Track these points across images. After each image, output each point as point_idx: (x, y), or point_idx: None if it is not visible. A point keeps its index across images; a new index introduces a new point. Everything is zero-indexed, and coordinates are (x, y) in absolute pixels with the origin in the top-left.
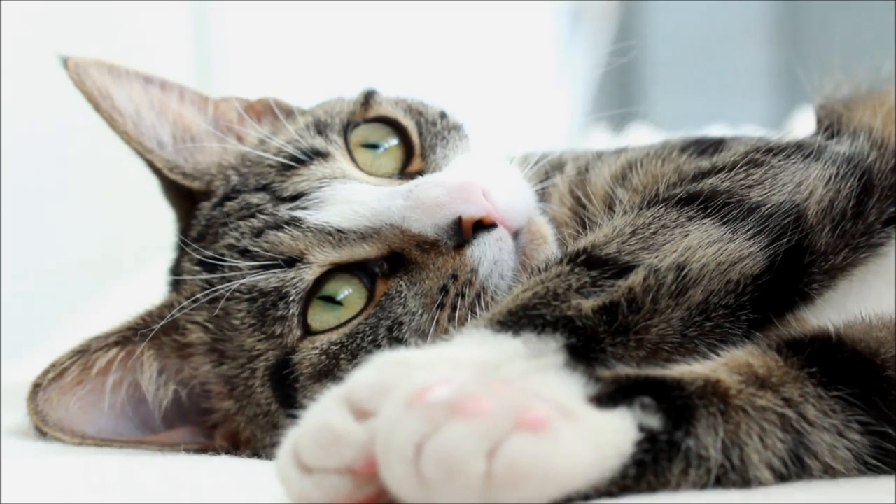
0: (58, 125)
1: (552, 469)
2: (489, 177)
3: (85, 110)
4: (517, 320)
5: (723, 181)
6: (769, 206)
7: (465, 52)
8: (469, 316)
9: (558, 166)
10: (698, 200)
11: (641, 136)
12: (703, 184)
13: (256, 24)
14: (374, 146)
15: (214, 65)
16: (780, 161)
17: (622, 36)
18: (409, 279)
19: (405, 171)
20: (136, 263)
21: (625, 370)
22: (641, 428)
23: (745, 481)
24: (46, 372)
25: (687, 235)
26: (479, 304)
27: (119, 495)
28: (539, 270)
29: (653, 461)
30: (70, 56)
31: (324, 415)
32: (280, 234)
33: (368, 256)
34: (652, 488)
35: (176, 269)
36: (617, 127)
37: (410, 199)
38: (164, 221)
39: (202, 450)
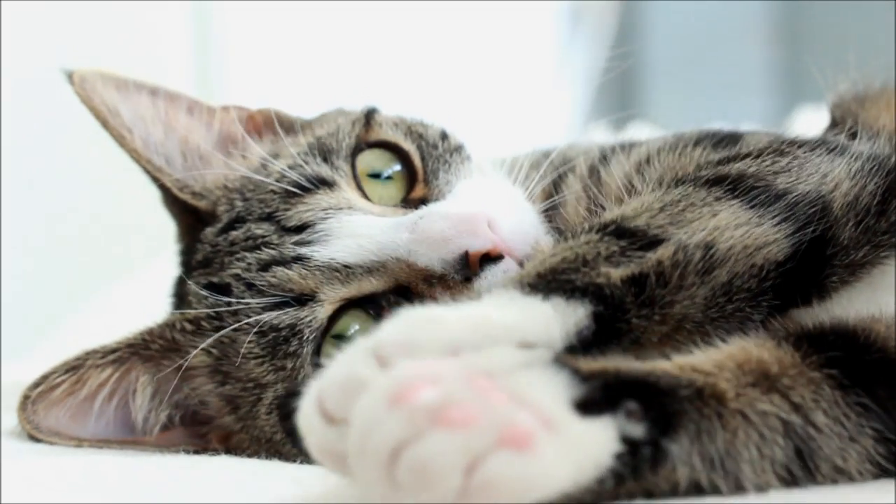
0: (57, 124)
1: (529, 487)
2: (493, 206)
3: (85, 110)
4: (546, 283)
5: (749, 166)
6: (796, 194)
7: (465, 52)
8: None
9: (567, 163)
10: (727, 182)
11: (642, 134)
12: (730, 167)
13: (257, 25)
14: (377, 175)
15: (213, 64)
16: (804, 153)
17: (622, 36)
18: None
19: (408, 198)
20: (136, 264)
21: (615, 364)
22: (624, 439)
23: (739, 488)
24: (37, 384)
25: (715, 215)
26: None
27: (119, 495)
28: (567, 238)
29: (632, 473)
30: (75, 70)
31: (351, 365)
32: (288, 271)
33: (375, 290)
34: (632, 495)
35: (179, 290)
36: (617, 126)
37: (416, 232)
38: (164, 222)
39: (202, 449)
